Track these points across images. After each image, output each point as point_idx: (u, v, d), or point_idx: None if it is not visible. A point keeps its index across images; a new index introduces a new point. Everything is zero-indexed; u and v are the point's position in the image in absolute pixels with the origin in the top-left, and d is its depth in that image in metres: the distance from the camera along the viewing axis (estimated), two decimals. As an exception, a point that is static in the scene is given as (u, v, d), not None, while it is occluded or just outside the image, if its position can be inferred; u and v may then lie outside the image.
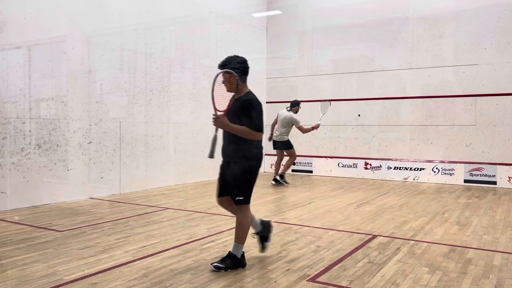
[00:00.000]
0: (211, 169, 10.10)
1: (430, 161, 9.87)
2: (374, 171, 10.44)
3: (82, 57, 7.24)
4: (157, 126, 8.67)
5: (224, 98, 3.68)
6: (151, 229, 5.13)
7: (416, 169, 10.00)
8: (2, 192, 6.08)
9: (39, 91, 6.64)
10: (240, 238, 3.71)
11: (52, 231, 4.96)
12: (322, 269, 3.75)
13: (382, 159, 10.39)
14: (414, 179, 10.02)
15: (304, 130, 8.78)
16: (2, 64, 6.12)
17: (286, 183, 9.09)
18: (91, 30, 7.37)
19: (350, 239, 4.79)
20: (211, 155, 3.56)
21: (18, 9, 6.31)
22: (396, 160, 10.21)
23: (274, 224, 5.43)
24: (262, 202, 7.09)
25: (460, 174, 9.55)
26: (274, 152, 9.45)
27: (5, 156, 6.02)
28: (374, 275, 3.60)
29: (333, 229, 5.21)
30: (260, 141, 3.80)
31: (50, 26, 6.74)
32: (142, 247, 4.36)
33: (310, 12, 11.51)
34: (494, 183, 9.20)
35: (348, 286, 3.36)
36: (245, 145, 3.69)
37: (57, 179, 6.81)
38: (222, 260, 3.69)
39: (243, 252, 3.76)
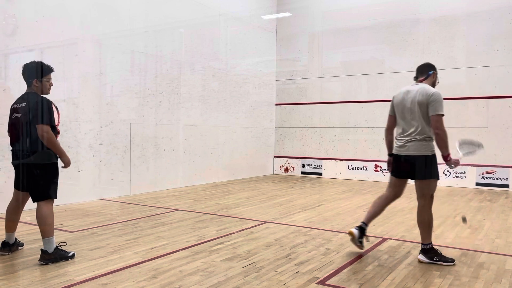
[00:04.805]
0: (220, 171, 10.12)
1: (441, 164, 9.75)
2: (384, 173, 10.37)
3: (93, 60, 7.31)
4: (167, 128, 8.71)
5: None
6: (161, 231, 5.15)
7: (427, 171, 9.90)
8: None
9: (51, 93, 6.70)
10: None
11: (63, 232, 5.01)
12: (331, 272, 3.73)
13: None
14: (425, 182, 9.91)
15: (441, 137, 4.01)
16: (15, 66, 6.20)
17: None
18: (102, 33, 7.45)
19: (360, 242, 4.76)
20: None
21: (31, 12, 6.39)
22: (406, 162, 10.12)
23: (283, 227, 5.43)
24: (271, 204, 7.08)
25: (472, 177, 9.43)
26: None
27: (18, 157, 6.09)
28: (384, 279, 3.57)
29: (343, 232, 5.18)
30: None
31: (62, 29, 6.82)
32: (151, 249, 4.37)
33: (319, 14, 11.49)
34: (507, 186, 9.07)
35: (357, 289, 3.34)
36: None
37: (68, 180, 6.87)
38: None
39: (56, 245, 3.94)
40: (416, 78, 4.21)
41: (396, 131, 4.21)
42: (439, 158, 4.05)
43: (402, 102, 4.09)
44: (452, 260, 3.98)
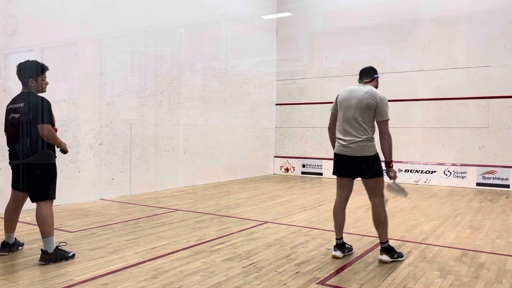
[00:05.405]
0: (221, 171, 10.12)
1: (441, 164, 9.77)
2: (385, 173, 10.36)
3: (93, 60, 7.31)
4: (167, 128, 8.71)
5: None
6: (161, 231, 5.15)
7: (427, 171, 9.90)
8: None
9: (51, 93, 6.64)
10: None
11: (64, 232, 5.01)
12: (332, 272, 3.73)
13: (392, 162, 10.29)
14: (425, 182, 9.92)
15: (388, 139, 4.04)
16: (16, 66, 6.19)
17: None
18: (102, 33, 7.45)
19: (361, 242, 4.76)
20: None
21: (31, 12, 6.39)
22: (407, 162, 10.12)
23: (284, 227, 5.43)
24: (272, 205, 7.08)
25: (472, 177, 9.43)
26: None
27: (18, 157, 6.09)
28: (385, 279, 3.56)
29: (343, 232, 5.16)
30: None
31: (63, 29, 6.82)
32: (152, 249, 4.37)
33: (320, 14, 11.49)
34: (507, 186, 9.06)
35: (358, 289, 3.33)
36: None
37: (68, 180, 6.87)
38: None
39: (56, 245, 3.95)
40: (360, 80, 4.25)
41: (336, 129, 4.21)
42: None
43: (347, 100, 4.09)
44: (403, 254, 4.11)
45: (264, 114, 11.77)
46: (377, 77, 4.27)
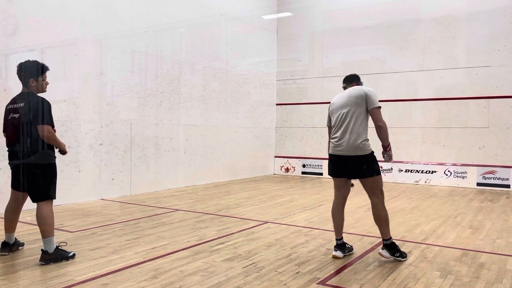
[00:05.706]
0: (221, 171, 10.12)
1: (442, 164, 9.77)
2: (385, 173, 10.37)
3: (93, 60, 7.31)
4: (168, 128, 8.71)
5: None
6: (161, 231, 5.15)
7: (427, 171, 9.90)
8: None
9: (51, 93, 6.64)
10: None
11: (64, 232, 5.01)
12: (332, 272, 3.73)
13: (393, 162, 10.30)
14: (425, 182, 9.92)
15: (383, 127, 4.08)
16: (16, 66, 6.19)
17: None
18: (102, 33, 7.44)
19: (361, 242, 4.76)
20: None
21: (32, 12, 6.39)
22: (407, 162, 10.12)
23: (284, 227, 5.43)
24: (272, 205, 7.08)
25: (472, 177, 9.42)
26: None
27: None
28: (385, 279, 3.56)
29: (344, 232, 5.16)
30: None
31: (63, 29, 6.82)
32: (152, 249, 4.37)
33: (320, 14, 11.49)
34: (508, 186, 9.06)
35: (358, 289, 3.33)
36: None
37: (69, 180, 6.87)
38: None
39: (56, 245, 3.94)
40: (347, 85, 4.33)
41: (332, 131, 4.26)
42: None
43: (337, 103, 4.20)
44: (406, 255, 4.10)
45: (265, 114, 11.78)
46: (362, 84, 4.37)
